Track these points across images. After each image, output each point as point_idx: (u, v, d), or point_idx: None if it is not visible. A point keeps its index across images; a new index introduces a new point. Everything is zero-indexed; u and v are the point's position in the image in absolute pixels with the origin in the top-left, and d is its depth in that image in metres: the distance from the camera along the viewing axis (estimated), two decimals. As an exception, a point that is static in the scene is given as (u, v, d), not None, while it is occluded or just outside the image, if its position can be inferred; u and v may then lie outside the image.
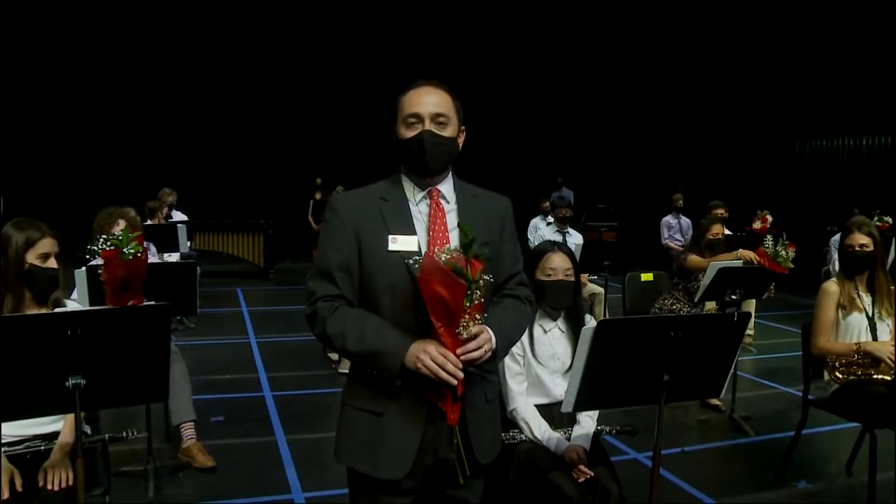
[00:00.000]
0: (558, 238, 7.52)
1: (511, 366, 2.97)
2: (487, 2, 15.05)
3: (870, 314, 3.73)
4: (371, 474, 2.04)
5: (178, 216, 8.84)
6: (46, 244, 2.73)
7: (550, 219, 8.15)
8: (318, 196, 11.75)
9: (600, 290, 6.83)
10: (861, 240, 3.78)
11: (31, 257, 2.71)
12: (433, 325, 1.92)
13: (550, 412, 2.96)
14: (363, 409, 2.07)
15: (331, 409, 5.38)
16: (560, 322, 3.04)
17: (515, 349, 2.97)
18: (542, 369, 2.96)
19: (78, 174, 12.57)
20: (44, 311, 2.75)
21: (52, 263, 2.74)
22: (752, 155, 13.90)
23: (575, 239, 7.50)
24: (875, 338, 3.69)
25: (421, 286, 1.92)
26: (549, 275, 2.98)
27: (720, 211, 7.41)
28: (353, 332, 1.98)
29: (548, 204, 9.08)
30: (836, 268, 4.02)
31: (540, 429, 2.85)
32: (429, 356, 1.90)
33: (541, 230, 8.53)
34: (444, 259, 1.88)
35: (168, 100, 13.34)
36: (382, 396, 2.02)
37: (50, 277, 2.74)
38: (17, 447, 2.55)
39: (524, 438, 2.81)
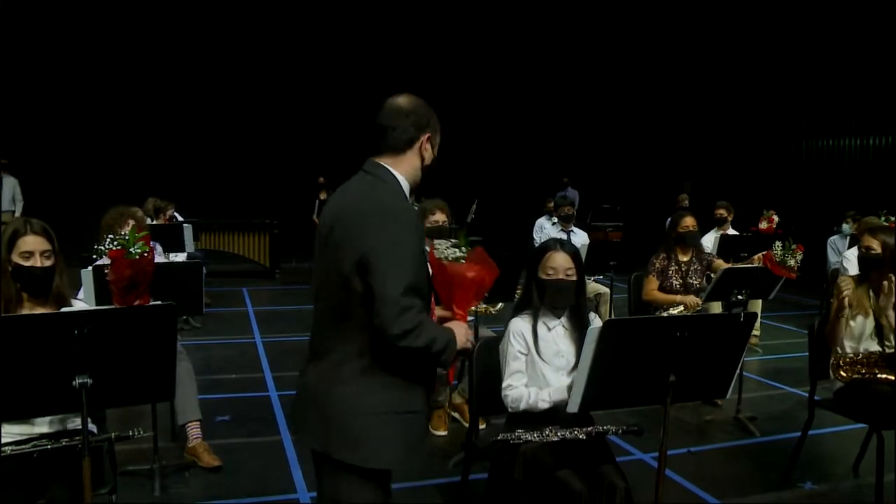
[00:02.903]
0: (562, 237, 7.51)
1: (511, 363, 3.01)
2: (493, 2, 15.03)
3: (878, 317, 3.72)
4: (403, 468, 2.18)
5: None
6: (29, 242, 2.72)
7: (555, 218, 8.14)
8: (322, 196, 11.73)
9: (606, 289, 6.81)
10: (868, 242, 3.77)
11: (15, 256, 2.71)
12: (457, 308, 2.39)
13: (556, 412, 2.96)
14: (413, 410, 2.19)
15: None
16: (564, 320, 3.05)
17: (519, 346, 3.01)
18: (547, 367, 2.98)
19: (85, 174, 12.61)
20: (47, 310, 2.75)
21: (35, 262, 2.72)
22: (759, 155, 13.86)
23: (579, 238, 7.50)
24: (881, 341, 3.67)
25: (469, 277, 2.37)
26: (550, 274, 2.98)
27: (721, 212, 7.40)
28: (437, 335, 2.12)
29: (552, 203, 9.09)
30: (844, 268, 4.01)
31: (536, 394, 2.91)
32: (465, 334, 2.25)
33: (546, 229, 8.53)
34: (450, 256, 2.12)
35: (174, 100, 13.35)
36: (420, 393, 2.21)
37: (33, 276, 2.73)
38: (23, 446, 2.55)
39: (528, 438, 2.80)
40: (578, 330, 2.97)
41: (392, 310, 1.98)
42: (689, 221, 5.45)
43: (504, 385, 3.02)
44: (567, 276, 2.97)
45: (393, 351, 2.04)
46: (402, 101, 2.24)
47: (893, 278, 3.65)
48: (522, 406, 2.94)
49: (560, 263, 2.98)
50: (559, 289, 2.98)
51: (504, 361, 3.05)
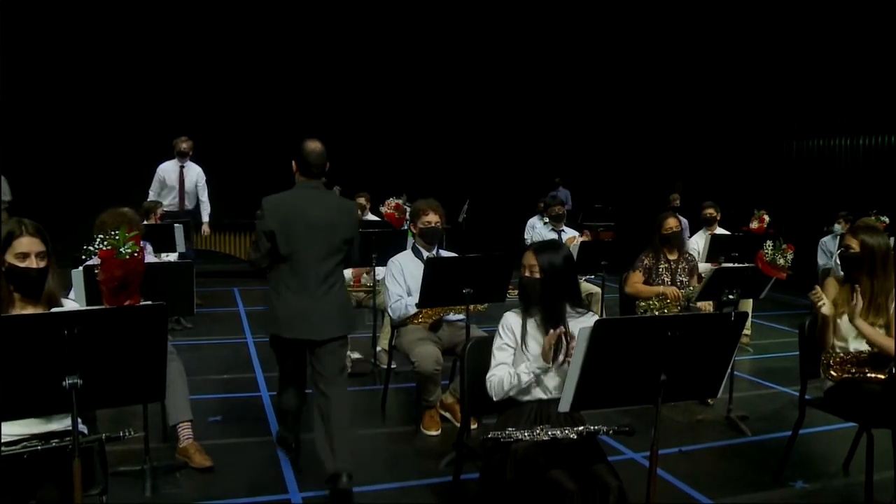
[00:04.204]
0: (553, 236, 7.55)
1: (497, 354, 3.10)
2: (485, 2, 15.04)
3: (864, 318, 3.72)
4: None
5: (192, 170, 8.75)
6: (25, 243, 2.72)
7: (547, 218, 8.18)
8: None
9: (597, 289, 6.82)
10: (848, 241, 3.79)
11: (10, 257, 2.71)
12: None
13: (547, 410, 2.97)
14: None
15: (328, 409, 5.37)
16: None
17: (507, 339, 3.10)
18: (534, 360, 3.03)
19: (73, 174, 12.56)
20: (38, 310, 2.75)
21: (31, 263, 2.72)
22: (750, 155, 13.90)
23: (570, 236, 7.55)
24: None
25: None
26: (521, 271, 3.13)
27: (709, 211, 7.43)
28: None
29: (542, 203, 9.13)
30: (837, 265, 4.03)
31: (517, 370, 2.99)
32: None
33: (537, 229, 8.58)
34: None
35: (166, 99, 13.28)
36: None
37: (28, 277, 2.73)
38: (14, 447, 2.54)
39: (519, 436, 2.80)
40: (547, 329, 3.02)
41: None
42: (672, 223, 5.60)
43: (488, 376, 3.09)
44: (530, 273, 3.07)
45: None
46: (321, 145, 3.89)
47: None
48: (507, 387, 3.00)
49: (525, 261, 3.11)
50: (522, 285, 3.11)
51: (491, 354, 3.13)
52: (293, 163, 3.90)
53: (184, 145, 8.59)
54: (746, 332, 7.01)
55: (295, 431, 4.20)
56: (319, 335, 3.73)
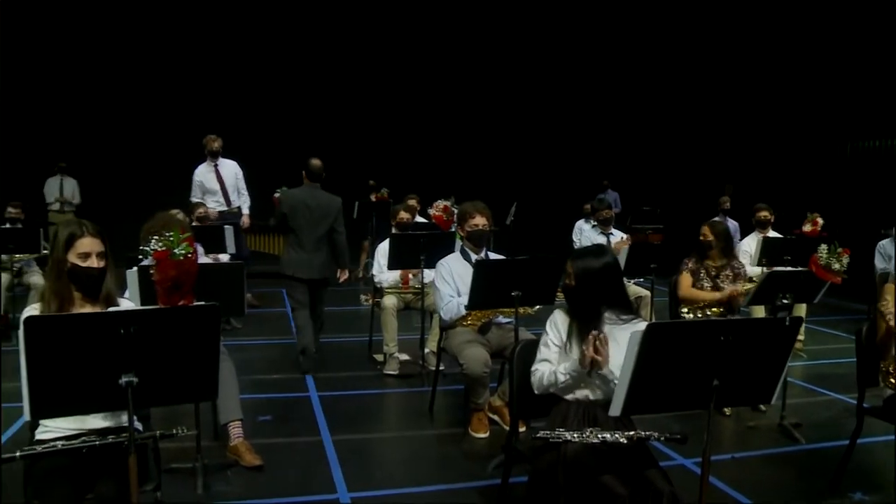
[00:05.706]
0: (602, 239, 7.48)
1: (542, 349, 3.14)
2: (534, 5, 14.99)
3: None
4: None
5: (227, 166, 8.63)
6: (86, 243, 2.80)
7: (594, 221, 8.10)
8: (373, 197, 11.40)
9: (646, 292, 6.74)
10: None
11: (72, 256, 2.79)
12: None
13: (594, 412, 2.95)
14: None
15: (376, 410, 5.41)
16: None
17: (553, 336, 3.13)
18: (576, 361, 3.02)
19: (124, 176, 12.88)
20: (97, 309, 2.82)
21: (92, 262, 2.81)
22: (803, 156, 13.60)
23: (617, 240, 7.48)
24: None
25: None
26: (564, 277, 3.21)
27: (764, 213, 7.28)
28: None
29: (589, 206, 9.04)
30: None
31: (555, 370, 3.02)
32: None
33: (585, 232, 8.50)
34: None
35: (212, 103, 13.49)
36: None
37: (90, 276, 2.81)
38: (73, 441, 2.61)
39: (569, 438, 2.77)
40: (580, 333, 3.03)
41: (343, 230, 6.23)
42: (704, 230, 5.50)
43: (532, 368, 3.14)
44: (568, 280, 3.12)
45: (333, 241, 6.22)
46: (320, 161, 6.10)
47: None
48: (546, 383, 3.05)
49: (566, 267, 3.14)
50: (563, 291, 3.20)
51: (538, 348, 3.17)
52: (303, 172, 6.13)
53: (215, 144, 8.43)
54: (800, 337, 6.86)
55: (308, 342, 6.18)
56: (312, 276, 6.02)
